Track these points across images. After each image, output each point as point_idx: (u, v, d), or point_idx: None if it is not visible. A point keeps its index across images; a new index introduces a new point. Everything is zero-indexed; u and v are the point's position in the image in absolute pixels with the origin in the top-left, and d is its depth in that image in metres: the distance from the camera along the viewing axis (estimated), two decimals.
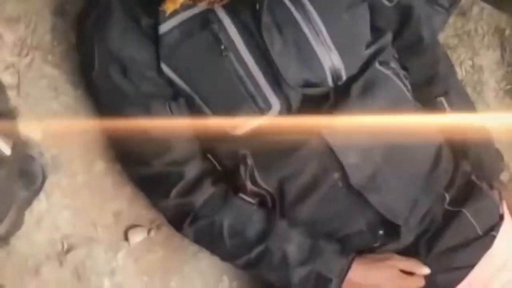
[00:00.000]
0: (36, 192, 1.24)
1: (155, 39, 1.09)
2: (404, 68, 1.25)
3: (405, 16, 1.23)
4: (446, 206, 1.24)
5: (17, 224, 1.11)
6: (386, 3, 1.18)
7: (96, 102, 1.22)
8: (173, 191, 1.15)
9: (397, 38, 1.24)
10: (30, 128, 1.26)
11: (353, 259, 1.17)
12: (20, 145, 1.23)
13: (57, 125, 1.28)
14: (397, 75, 1.19)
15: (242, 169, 1.15)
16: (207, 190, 1.17)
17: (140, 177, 1.21)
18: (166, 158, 1.14)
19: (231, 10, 1.08)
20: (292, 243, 1.16)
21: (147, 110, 1.12)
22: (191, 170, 1.16)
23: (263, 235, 1.16)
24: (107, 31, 1.10)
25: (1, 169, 0.87)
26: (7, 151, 0.87)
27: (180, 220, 1.18)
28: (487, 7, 1.51)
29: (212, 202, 1.17)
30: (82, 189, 1.29)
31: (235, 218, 1.16)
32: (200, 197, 1.16)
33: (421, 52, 1.26)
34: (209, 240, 1.19)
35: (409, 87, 1.22)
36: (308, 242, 1.17)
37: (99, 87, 1.16)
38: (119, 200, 1.30)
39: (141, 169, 1.17)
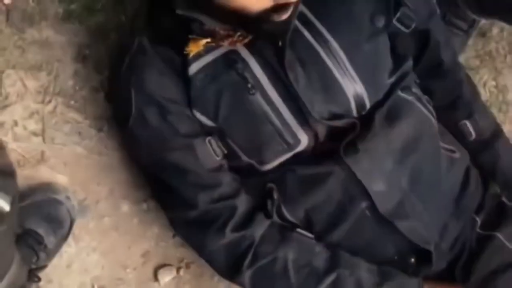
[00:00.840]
0: (64, 237, 1.25)
1: (187, 79, 1.10)
2: (427, 92, 1.24)
3: (423, 41, 1.22)
4: (478, 229, 1.21)
5: (19, 280, 1.10)
6: (404, 29, 1.18)
7: (134, 149, 1.19)
8: (228, 227, 1.11)
9: (418, 63, 1.24)
10: (56, 173, 1.28)
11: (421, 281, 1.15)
12: (46, 190, 1.25)
13: (82, 169, 1.30)
14: (419, 100, 1.18)
15: (268, 203, 1.14)
16: (263, 223, 1.13)
17: (187, 221, 1.14)
18: (215, 194, 1.11)
19: (253, 48, 1.08)
20: (362, 269, 1.13)
21: (190, 151, 1.10)
22: (243, 203, 1.13)
23: (331, 264, 1.12)
24: (143, 74, 1.10)
25: (1, 225, 0.88)
26: (6, 207, 0.87)
27: (235, 263, 1.12)
28: (507, 26, 1.50)
29: (271, 236, 1.13)
30: (109, 231, 1.30)
31: (299, 251, 1.12)
32: (259, 230, 1.12)
33: (442, 75, 1.25)
34: (271, 280, 1.13)
35: (433, 111, 1.20)
36: (374, 267, 1.14)
37: (137, 134, 1.13)
38: (147, 240, 1.30)
39: (188, 212, 1.13)
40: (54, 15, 1.29)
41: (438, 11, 1.24)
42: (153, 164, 1.14)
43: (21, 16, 1.27)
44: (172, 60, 1.09)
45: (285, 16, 0.99)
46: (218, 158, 1.12)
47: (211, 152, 1.11)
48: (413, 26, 1.17)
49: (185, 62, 1.09)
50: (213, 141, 1.11)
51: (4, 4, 1.26)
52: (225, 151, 1.12)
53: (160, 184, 1.15)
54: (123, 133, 1.20)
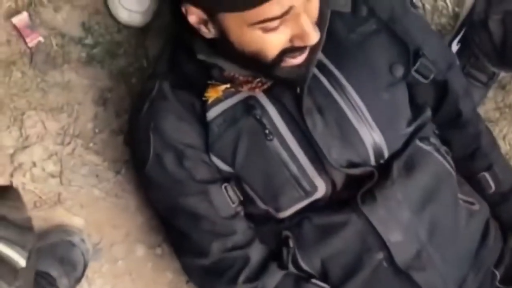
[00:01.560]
0: (78, 280, 1.24)
1: (205, 124, 1.10)
2: (446, 143, 1.24)
3: (442, 91, 1.22)
4: (497, 284, 1.19)
5: None
6: (423, 80, 1.18)
7: (150, 193, 1.19)
8: (241, 277, 1.11)
9: (436, 113, 1.23)
10: (72, 215, 1.28)
11: None
12: (60, 232, 1.25)
13: (98, 212, 1.30)
14: (438, 151, 1.17)
15: (284, 251, 1.13)
16: (277, 273, 1.13)
17: (200, 268, 1.14)
18: (229, 242, 1.12)
19: (272, 95, 1.08)
20: None
21: (205, 197, 1.10)
22: (256, 253, 1.13)
23: None
24: (162, 118, 1.10)
25: (17, 281, 0.88)
26: (23, 262, 0.87)
27: None
28: None
29: (285, 287, 1.13)
30: (123, 275, 1.29)
31: None
32: (272, 281, 1.12)
33: (461, 127, 1.25)
34: None
35: (452, 162, 1.19)
36: None
37: (154, 178, 1.13)
38: (160, 285, 1.30)
39: (201, 259, 1.13)
40: (77, 59, 1.31)
41: (457, 62, 1.25)
42: (168, 209, 1.15)
43: (44, 58, 1.29)
44: (191, 105, 1.10)
45: (301, 59, 1.00)
46: (233, 205, 1.12)
47: (227, 199, 1.11)
48: (431, 76, 1.17)
49: (204, 107, 1.09)
50: (229, 188, 1.11)
51: (28, 47, 1.28)
52: (241, 198, 1.12)
53: (174, 229, 1.15)
54: (140, 176, 1.20)
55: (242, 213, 1.14)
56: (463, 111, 1.23)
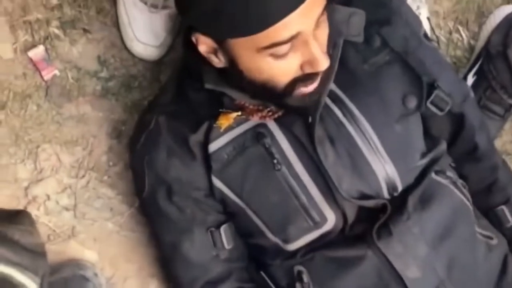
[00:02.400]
0: None
1: (205, 156, 1.10)
2: (462, 176, 1.22)
3: (458, 124, 1.21)
4: None
5: None
6: (438, 112, 1.17)
7: (148, 221, 1.24)
8: None
9: (452, 147, 1.22)
10: (86, 248, 1.27)
11: None
12: (74, 266, 1.24)
13: (112, 246, 1.29)
14: (454, 184, 1.16)
15: (298, 286, 1.12)
16: None
17: None
18: (200, 281, 1.14)
19: (282, 123, 1.08)
20: None
21: (188, 234, 1.13)
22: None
23: None
24: (155, 153, 1.12)
25: None
26: None
27: None
28: None
29: None
30: None
31: None
32: None
33: (477, 160, 1.23)
34: None
35: (469, 196, 1.18)
36: None
37: (147, 210, 1.20)
38: None
39: None
40: (92, 92, 1.31)
41: (472, 95, 1.24)
42: (157, 240, 1.20)
43: (60, 91, 1.30)
44: (186, 137, 1.10)
45: (312, 87, 1.00)
46: (214, 249, 1.13)
47: (209, 242, 1.13)
48: (447, 109, 1.16)
49: (206, 137, 1.09)
50: (215, 233, 1.13)
51: (44, 80, 1.29)
52: (228, 246, 1.14)
53: (162, 258, 1.22)
54: (139, 203, 1.26)
55: (222, 257, 1.14)
56: (479, 144, 1.21)
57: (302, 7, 0.89)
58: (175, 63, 1.32)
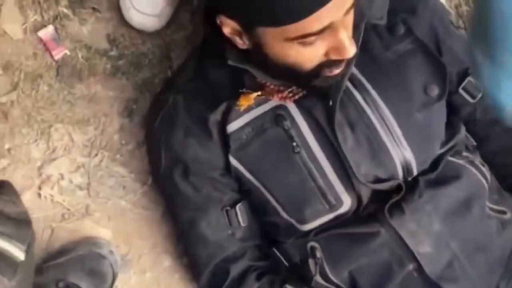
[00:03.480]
0: None
1: (222, 135, 1.10)
2: (493, 151, 1.21)
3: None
4: None
5: None
6: (470, 99, 1.16)
7: (163, 199, 1.25)
8: None
9: (487, 137, 1.21)
10: (100, 227, 1.29)
11: None
12: (90, 244, 1.25)
13: (126, 223, 1.30)
14: (471, 163, 1.15)
15: (311, 262, 1.13)
16: (251, 286, 1.16)
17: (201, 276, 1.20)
18: (216, 259, 1.16)
19: (302, 106, 1.08)
20: None
21: (204, 215, 1.14)
22: (238, 267, 1.16)
23: None
24: (172, 132, 1.13)
25: (17, 275, 0.88)
26: (21, 256, 0.87)
27: None
28: None
29: None
30: (151, 286, 1.29)
31: None
32: None
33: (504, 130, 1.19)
34: None
35: (487, 174, 1.17)
36: None
37: (163, 188, 1.20)
38: None
39: (196, 277, 1.20)
40: (102, 71, 1.31)
41: None
42: (173, 218, 1.21)
43: (70, 71, 1.30)
44: (205, 117, 1.10)
45: (336, 71, 1.00)
46: (230, 228, 1.15)
47: (225, 221, 1.15)
48: (479, 96, 1.15)
49: (225, 116, 1.09)
50: (231, 212, 1.14)
51: (54, 60, 1.29)
52: (244, 223, 1.15)
53: (178, 236, 1.26)
54: (155, 182, 1.27)
55: (237, 236, 1.16)
56: None
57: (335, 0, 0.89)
58: (186, 42, 1.32)
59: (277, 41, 0.94)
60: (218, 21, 0.98)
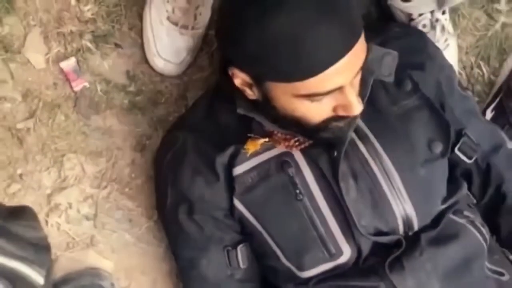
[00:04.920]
0: None
1: (228, 178, 1.12)
2: (495, 225, 1.22)
3: (485, 175, 1.21)
4: None
5: None
6: (466, 159, 1.18)
7: (166, 235, 1.26)
8: None
9: (482, 198, 1.23)
10: (103, 258, 1.30)
11: None
12: (92, 275, 1.26)
13: (129, 257, 1.31)
14: (472, 223, 1.16)
15: None
16: None
17: None
18: None
19: (308, 154, 1.10)
20: None
21: (205, 254, 1.15)
22: None
23: None
24: (180, 170, 1.15)
25: None
26: (41, 280, 0.89)
27: None
28: None
29: None
30: None
31: None
32: None
33: (507, 211, 1.22)
34: None
35: (487, 235, 1.18)
36: None
37: (167, 224, 1.22)
38: None
39: None
40: (119, 105, 1.34)
41: (508, 146, 1.23)
42: (174, 255, 1.22)
43: (88, 103, 1.33)
44: (213, 159, 1.12)
45: (342, 124, 1.02)
46: (229, 269, 1.16)
47: (225, 261, 1.15)
48: (474, 157, 1.18)
49: (232, 160, 1.11)
50: (232, 252, 1.15)
51: (73, 91, 1.32)
52: (244, 265, 1.16)
53: (178, 273, 1.25)
54: (159, 218, 1.28)
55: (237, 276, 1.17)
56: (508, 196, 1.21)
57: (345, 62, 0.91)
58: (202, 83, 1.35)
59: (286, 96, 0.96)
60: (230, 73, 1.01)
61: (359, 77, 0.98)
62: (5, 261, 0.90)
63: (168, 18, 1.30)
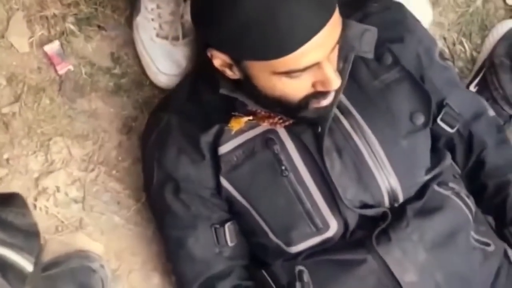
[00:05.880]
0: None
1: (214, 157, 1.13)
2: (477, 190, 1.23)
3: (467, 143, 1.22)
4: None
5: None
6: (448, 129, 1.19)
7: (153, 214, 1.28)
8: None
9: (466, 166, 1.24)
10: (93, 240, 1.30)
11: None
12: (81, 257, 1.27)
13: (118, 239, 1.32)
14: (457, 195, 1.18)
15: (298, 286, 1.14)
16: None
17: None
18: (203, 276, 1.18)
19: (292, 131, 1.11)
20: None
21: (193, 231, 1.16)
22: (225, 285, 1.17)
23: None
24: (165, 150, 1.16)
25: (26, 286, 0.90)
26: (30, 267, 0.90)
27: None
28: None
29: None
30: None
31: None
32: None
33: (488, 176, 1.22)
34: None
35: (472, 206, 1.20)
36: None
37: (153, 204, 1.23)
38: None
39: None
40: (104, 88, 1.34)
41: (489, 113, 1.24)
42: (162, 235, 1.23)
43: (73, 86, 1.33)
44: (197, 137, 1.13)
45: (325, 103, 1.03)
46: (217, 246, 1.16)
47: (212, 239, 1.16)
48: (457, 126, 1.19)
49: (217, 138, 1.12)
50: (219, 230, 1.16)
51: (58, 75, 1.32)
52: (231, 243, 1.17)
53: (166, 253, 1.26)
54: (146, 197, 1.29)
55: (225, 254, 1.18)
56: (486, 161, 1.22)
57: (319, 38, 0.92)
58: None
59: (264, 74, 0.97)
60: (209, 54, 1.01)
61: (336, 52, 0.99)
62: None
63: (157, 35, 1.30)
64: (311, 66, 0.95)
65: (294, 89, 0.99)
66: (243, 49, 0.95)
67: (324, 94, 1.01)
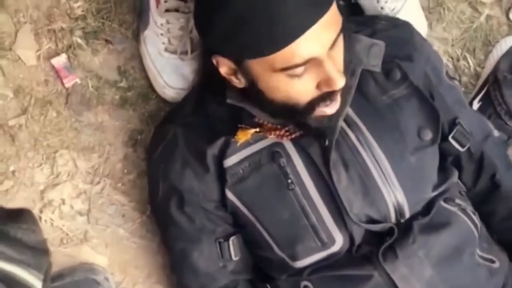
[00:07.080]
0: None
1: (219, 170, 1.13)
2: (487, 212, 1.24)
3: (478, 163, 1.23)
4: None
5: None
6: (459, 147, 1.20)
7: (158, 227, 1.28)
8: None
9: (475, 184, 1.25)
10: (97, 253, 1.30)
11: None
12: (86, 270, 1.27)
13: (123, 251, 1.32)
14: (463, 211, 1.18)
15: None
16: None
17: None
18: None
19: (299, 144, 1.11)
20: None
21: (197, 244, 1.16)
22: None
23: None
24: (170, 163, 1.16)
25: None
26: (39, 285, 0.89)
27: None
28: None
29: None
30: None
31: None
32: None
33: (501, 198, 1.24)
34: None
35: (478, 222, 1.20)
36: None
37: (158, 217, 1.24)
38: None
39: None
40: (110, 101, 1.34)
41: (495, 134, 1.26)
42: (166, 248, 1.24)
43: (79, 99, 1.33)
44: (203, 150, 1.13)
45: (329, 111, 1.03)
46: (221, 261, 1.17)
47: (216, 253, 1.17)
48: (467, 145, 1.20)
49: (222, 151, 1.12)
50: (223, 244, 1.16)
51: (65, 88, 1.33)
52: (235, 257, 1.17)
53: (170, 266, 1.26)
54: (151, 210, 1.30)
55: (229, 268, 1.18)
56: (502, 183, 1.23)
57: (314, 32, 0.93)
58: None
59: (266, 73, 0.97)
60: (214, 61, 1.02)
61: (339, 51, 0.99)
62: (3, 265, 0.90)
63: (166, 49, 1.30)
64: (309, 61, 0.95)
65: (298, 90, 0.99)
66: (240, 47, 0.96)
67: (330, 96, 1.01)
